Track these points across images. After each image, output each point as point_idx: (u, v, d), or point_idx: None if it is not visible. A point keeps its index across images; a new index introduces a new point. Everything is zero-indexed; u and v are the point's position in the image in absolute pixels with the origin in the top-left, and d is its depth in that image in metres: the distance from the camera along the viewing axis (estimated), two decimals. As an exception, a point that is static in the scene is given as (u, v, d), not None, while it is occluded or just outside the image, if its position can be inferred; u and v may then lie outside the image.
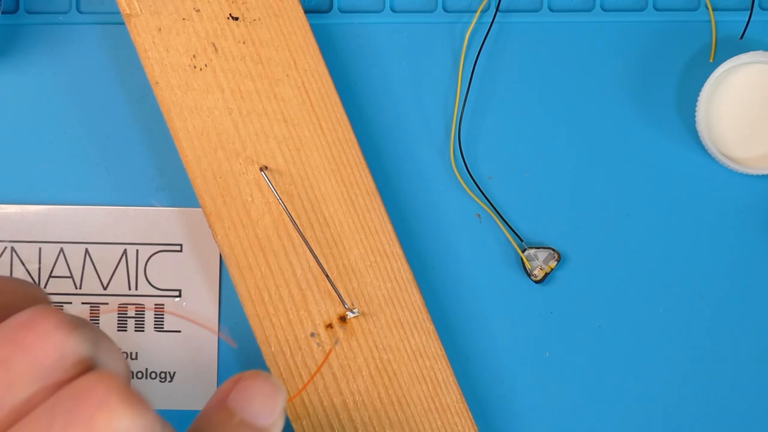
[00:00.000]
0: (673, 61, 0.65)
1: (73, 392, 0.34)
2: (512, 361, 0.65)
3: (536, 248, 0.65)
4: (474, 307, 0.65)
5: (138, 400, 0.34)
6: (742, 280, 0.65)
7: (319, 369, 0.60)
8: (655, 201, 0.65)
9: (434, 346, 0.61)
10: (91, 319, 0.65)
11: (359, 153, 0.62)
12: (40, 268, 0.66)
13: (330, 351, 0.60)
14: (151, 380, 0.66)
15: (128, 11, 0.60)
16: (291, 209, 0.60)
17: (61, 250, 0.66)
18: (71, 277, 0.66)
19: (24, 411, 0.33)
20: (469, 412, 0.62)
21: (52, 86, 0.66)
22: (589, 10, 0.66)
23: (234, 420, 0.41)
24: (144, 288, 0.66)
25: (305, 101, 0.61)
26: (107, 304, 0.66)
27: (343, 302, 0.60)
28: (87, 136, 0.66)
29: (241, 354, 0.65)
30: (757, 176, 0.65)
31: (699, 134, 0.63)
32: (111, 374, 0.34)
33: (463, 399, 0.62)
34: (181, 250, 0.66)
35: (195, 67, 0.60)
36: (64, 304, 0.65)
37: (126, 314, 0.66)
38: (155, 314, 0.66)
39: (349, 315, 0.60)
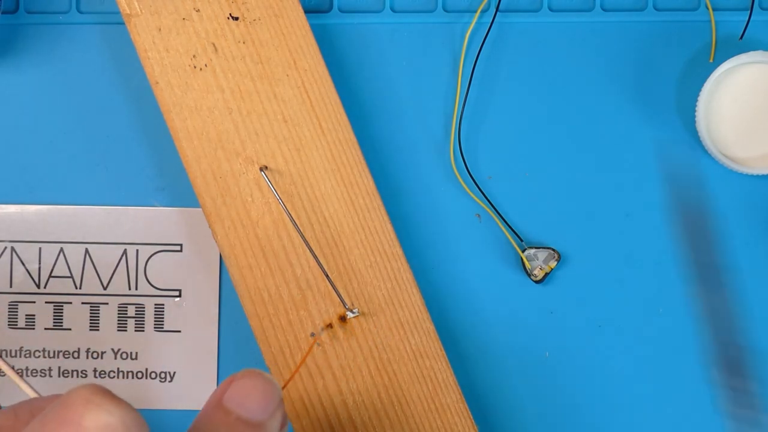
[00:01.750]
0: (673, 61, 0.65)
1: (61, 401, 0.37)
2: (512, 361, 0.65)
3: (536, 248, 0.65)
4: (474, 307, 0.65)
5: (120, 399, 0.37)
6: (743, 279, 0.65)
7: (303, 360, 0.60)
8: (655, 201, 0.65)
9: (434, 346, 0.61)
10: (91, 319, 0.66)
11: (359, 153, 0.62)
12: (40, 268, 0.66)
13: (313, 342, 0.60)
14: (151, 380, 0.66)
15: (128, 11, 0.60)
16: (291, 209, 0.60)
17: (61, 250, 0.66)
18: (71, 277, 0.66)
19: None
20: (469, 412, 0.62)
21: (52, 86, 0.66)
22: (589, 10, 0.66)
23: (230, 418, 0.44)
24: (144, 288, 0.66)
25: (305, 101, 0.61)
26: (107, 304, 0.66)
27: (343, 302, 0.60)
28: (87, 136, 0.66)
29: (242, 354, 0.65)
30: (757, 176, 0.65)
31: (699, 134, 0.63)
32: (94, 383, 0.37)
33: (463, 399, 0.62)
34: (181, 250, 0.66)
35: (195, 67, 0.60)
36: (64, 304, 0.66)
37: (126, 314, 0.66)
38: (155, 314, 0.66)
39: (349, 315, 0.60)
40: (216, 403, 0.46)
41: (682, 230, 0.52)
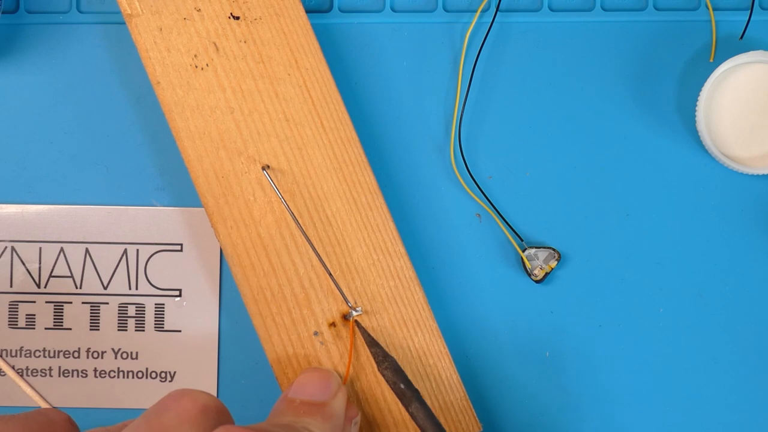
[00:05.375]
0: (673, 61, 0.66)
1: (158, 401, 0.48)
2: (513, 361, 0.65)
3: (536, 248, 0.65)
4: (475, 307, 0.65)
5: (202, 390, 0.49)
6: (742, 279, 0.65)
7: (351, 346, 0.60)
8: (655, 201, 0.65)
9: (437, 344, 0.61)
10: (91, 319, 0.65)
11: (361, 152, 0.62)
12: (40, 268, 0.66)
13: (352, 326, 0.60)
14: (151, 380, 0.65)
15: (129, 11, 0.60)
16: (293, 208, 0.60)
17: (62, 249, 0.66)
18: (71, 276, 0.66)
19: None
20: (473, 410, 0.62)
21: (52, 86, 0.66)
22: (589, 10, 0.66)
23: (295, 404, 0.53)
24: (144, 288, 0.66)
25: (307, 100, 0.61)
26: (107, 303, 0.66)
27: (346, 300, 0.60)
28: (87, 136, 0.66)
29: (242, 353, 0.65)
30: (757, 176, 0.65)
31: (699, 134, 0.63)
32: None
33: (467, 397, 0.62)
34: (181, 250, 0.66)
35: (196, 66, 0.60)
36: (65, 304, 0.65)
37: (126, 314, 0.65)
38: (155, 314, 0.66)
39: (353, 313, 0.60)
40: (282, 397, 0.55)
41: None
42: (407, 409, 0.58)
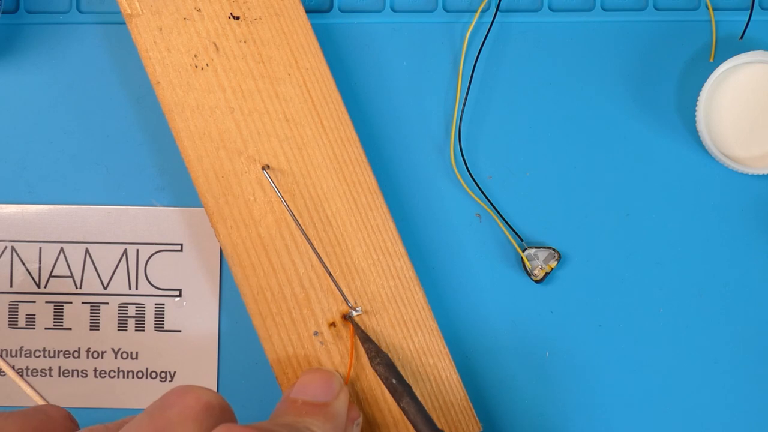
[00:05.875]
0: (673, 61, 0.66)
1: (161, 396, 0.49)
2: (513, 361, 0.65)
3: (536, 248, 0.65)
4: (475, 307, 0.65)
5: (206, 387, 0.49)
6: (743, 279, 0.65)
7: (352, 347, 0.60)
8: (655, 201, 0.65)
9: (438, 344, 0.61)
10: (91, 319, 0.65)
11: (361, 151, 0.62)
12: (40, 268, 0.66)
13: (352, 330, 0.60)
14: (151, 380, 0.65)
15: (129, 11, 0.60)
16: (293, 208, 0.60)
17: (62, 249, 0.66)
18: (71, 276, 0.66)
19: None
20: (473, 410, 0.62)
21: (52, 86, 0.66)
22: (589, 10, 0.66)
23: (297, 405, 0.53)
24: (144, 288, 0.66)
25: (307, 100, 0.61)
26: (107, 303, 0.66)
27: (346, 300, 0.60)
28: (87, 136, 0.66)
29: (242, 353, 0.65)
30: (758, 176, 0.65)
31: (699, 134, 0.63)
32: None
33: (467, 397, 0.62)
34: (181, 250, 0.66)
35: (196, 66, 0.60)
36: (65, 304, 0.65)
37: (126, 314, 0.65)
38: (155, 314, 0.66)
39: (353, 313, 0.60)
40: (284, 398, 0.55)
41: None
42: (399, 404, 0.58)
